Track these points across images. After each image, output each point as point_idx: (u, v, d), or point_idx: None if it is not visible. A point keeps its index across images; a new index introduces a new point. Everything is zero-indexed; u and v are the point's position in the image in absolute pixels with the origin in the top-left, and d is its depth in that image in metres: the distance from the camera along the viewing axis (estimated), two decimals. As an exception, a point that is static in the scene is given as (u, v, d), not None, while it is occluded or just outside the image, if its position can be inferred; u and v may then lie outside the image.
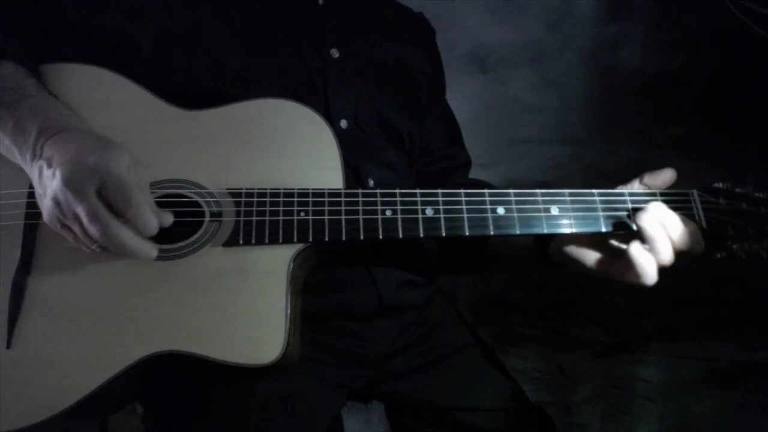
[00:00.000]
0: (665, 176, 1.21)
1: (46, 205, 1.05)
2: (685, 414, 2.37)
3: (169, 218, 1.11)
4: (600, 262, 1.21)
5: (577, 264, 1.24)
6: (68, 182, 1.01)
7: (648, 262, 1.11)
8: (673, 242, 1.13)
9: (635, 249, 1.12)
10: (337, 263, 1.29)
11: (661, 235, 1.12)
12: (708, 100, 2.36)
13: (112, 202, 1.03)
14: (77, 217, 1.03)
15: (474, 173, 1.71)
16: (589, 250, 1.22)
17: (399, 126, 1.44)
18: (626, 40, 2.51)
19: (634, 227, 1.15)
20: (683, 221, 1.15)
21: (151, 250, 1.09)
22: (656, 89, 2.47)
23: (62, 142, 1.06)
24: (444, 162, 1.62)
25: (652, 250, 1.12)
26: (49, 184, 1.03)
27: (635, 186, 1.23)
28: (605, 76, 2.54)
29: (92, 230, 1.02)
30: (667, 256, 1.12)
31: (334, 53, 1.37)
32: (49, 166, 1.04)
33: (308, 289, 1.20)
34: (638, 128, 2.47)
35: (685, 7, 2.42)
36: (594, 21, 2.54)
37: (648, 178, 1.21)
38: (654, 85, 2.47)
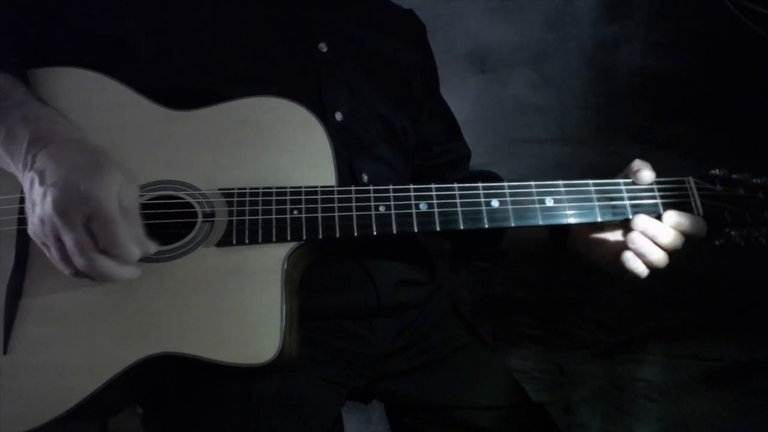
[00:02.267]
0: (643, 177, 1.21)
1: (32, 222, 1.05)
2: (685, 414, 2.37)
3: (152, 248, 1.11)
4: (611, 253, 1.23)
5: (592, 255, 1.25)
6: (58, 209, 1.01)
7: (637, 265, 1.18)
8: (664, 244, 1.17)
9: (628, 255, 1.18)
10: (334, 263, 1.29)
11: (647, 245, 1.17)
12: (708, 100, 2.35)
13: (97, 236, 1.03)
14: (58, 241, 1.03)
15: (473, 173, 1.71)
16: (603, 242, 1.25)
17: (391, 119, 1.44)
18: (626, 40, 2.50)
19: (630, 216, 1.19)
20: (679, 215, 1.17)
21: (134, 273, 1.09)
22: (656, 89, 2.46)
23: (55, 156, 1.06)
24: (444, 157, 1.63)
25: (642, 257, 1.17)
26: (38, 201, 1.03)
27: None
28: (605, 76, 2.53)
29: (78, 261, 1.03)
30: (658, 258, 1.17)
31: (323, 47, 1.38)
32: (42, 182, 1.04)
33: (307, 289, 1.21)
34: (638, 128, 2.47)
35: (685, 7, 2.41)
36: (594, 21, 2.53)
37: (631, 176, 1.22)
38: (654, 85, 2.46)
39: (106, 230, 1.03)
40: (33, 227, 1.06)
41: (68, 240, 1.02)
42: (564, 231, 1.34)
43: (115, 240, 1.04)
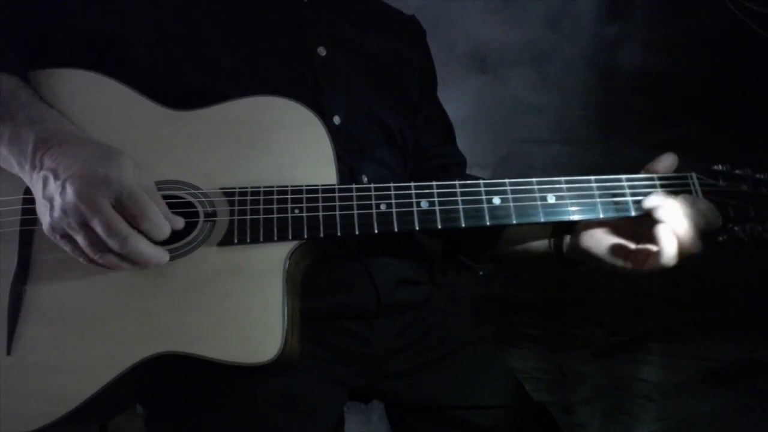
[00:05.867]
0: (666, 161, 1.20)
1: (53, 216, 1.04)
2: (685, 414, 2.37)
3: (180, 222, 1.12)
4: (618, 252, 1.21)
5: (595, 259, 1.24)
6: (81, 196, 1.01)
7: (670, 241, 1.11)
8: (684, 225, 1.12)
9: (663, 228, 1.12)
10: (335, 263, 1.29)
11: (675, 214, 1.12)
12: (708, 100, 2.36)
13: (127, 213, 1.03)
14: (85, 228, 1.03)
15: (474, 173, 1.70)
16: (607, 243, 1.22)
17: (389, 122, 1.44)
18: (626, 40, 2.51)
19: (632, 213, 1.16)
20: (694, 200, 1.14)
21: (165, 255, 1.10)
22: (656, 89, 2.47)
23: (64, 154, 1.06)
24: (439, 160, 1.62)
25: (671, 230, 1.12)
26: (56, 196, 1.03)
27: None
28: (605, 76, 2.54)
29: (111, 242, 1.02)
30: (685, 234, 1.12)
31: (321, 51, 1.38)
32: (56, 177, 1.04)
33: (307, 289, 1.20)
34: (638, 128, 2.48)
35: (685, 7, 2.42)
36: (594, 21, 2.54)
37: (649, 168, 1.21)
38: (654, 85, 2.47)
39: (134, 207, 1.04)
40: (53, 221, 1.05)
41: (98, 224, 1.02)
42: (566, 233, 1.32)
43: (146, 215, 1.04)
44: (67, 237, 1.05)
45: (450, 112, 1.72)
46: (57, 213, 1.03)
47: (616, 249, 1.21)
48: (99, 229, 1.02)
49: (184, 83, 1.27)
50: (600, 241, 1.23)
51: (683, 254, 1.13)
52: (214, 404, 1.20)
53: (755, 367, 2.33)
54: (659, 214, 1.13)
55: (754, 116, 2.20)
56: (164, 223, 1.07)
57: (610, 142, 2.50)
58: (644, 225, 1.17)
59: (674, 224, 1.12)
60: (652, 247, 1.15)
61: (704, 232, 1.15)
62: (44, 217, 1.06)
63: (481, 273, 1.53)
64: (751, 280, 2.26)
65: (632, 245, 1.21)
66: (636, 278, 1.16)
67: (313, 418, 1.25)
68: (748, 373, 2.33)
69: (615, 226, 1.22)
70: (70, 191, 1.01)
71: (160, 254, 1.09)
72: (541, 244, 1.37)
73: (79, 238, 1.04)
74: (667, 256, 1.11)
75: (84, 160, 1.05)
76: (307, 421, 1.24)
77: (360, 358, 1.33)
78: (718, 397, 2.35)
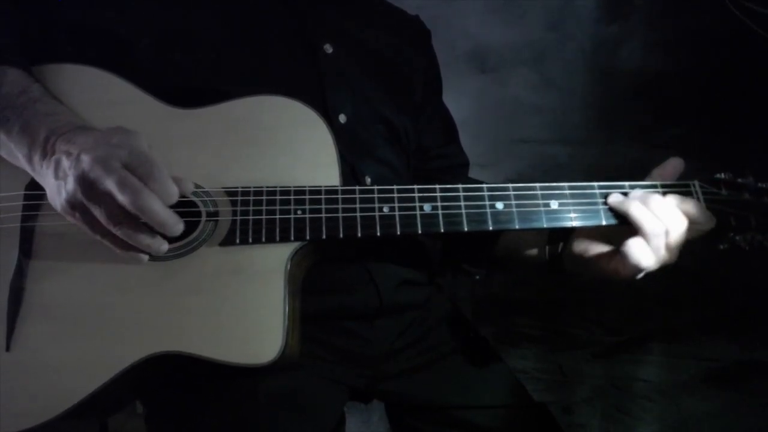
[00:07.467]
0: (673, 165, 1.20)
1: (68, 190, 1.03)
2: (685, 414, 2.37)
3: (190, 186, 1.09)
4: (608, 260, 1.19)
5: (587, 265, 1.23)
6: (96, 160, 1.00)
7: (637, 245, 1.10)
8: (666, 220, 1.10)
9: (631, 240, 1.11)
10: (336, 263, 1.29)
11: (644, 213, 1.10)
12: (708, 100, 2.36)
13: (137, 173, 1.01)
14: (105, 195, 1.01)
15: (474, 173, 1.70)
16: (596, 248, 1.20)
17: (394, 121, 1.43)
18: (626, 40, 2.51)
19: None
20: (682, 199, 1.13)
21: (179, 222, 1.06)
22: (656, 89, 2.47)
23: (77, 136, 1.06)
24: (441, 161, 1.62)
25: (642, 234, 1.10)
26: (70, 171, 1.02)
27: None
28: (605, 76, 2.55)
29: (123, 199, 0.99)
30: (658, 234, 1.10)
31: (328, 49, 1.37)
32: (69, 155, 1.03)
33: (308, 289, 1.20)
34: (638, 128, 2.48)
35: (685, 7, 2.42)
36: (594, 21, 2.55)
37: (656, 173, 1.20)
38: (654, 85, 2.47)
39: (144, 168, 1.02)
40: (68, 196, 1.03)
41: (111, 183, 1.00)
42: (560, 248, 1.31)
43: (155, 176, 1.02)
44: (85, 212, 1.04)
45: (450, 112, 1.72)
46: (72, 185, 1.01)
47: (604, 253, 1.20)
48: (113, 188, 1.00)
49: (187, 82, 1.26)
50: (589, 245, 1.22)
51: (670, 251, 1.11)
52: (215, 403, 1.20)
53: (755, 367, 2.33)
54: (631, 217, 1.12)
55: (754, 116, 2.20)
56: (172, 184, 1.05)
57: (610, 142, 2.50)
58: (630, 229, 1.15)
59: (645, 226, 1.10)
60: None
61: (698, 235, 1.15)
62: (59, 197, 1.04)
63: (477, 277, 1.52)
64: (750, 281, 2.26)
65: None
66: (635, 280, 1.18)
67: (314, 417, 1.25)
68: (748, 373, 2.34)
69: (605, 231, 1.21)
70: (84, 159, 1.00)
71: (174, 219, 1.05)
72: (536, 250, 1.36)
73: (96, 210, 1.02)
74: (634, 260, 1.10)
75: (97, 136, 1.04)
76: (307, 421, 1.24)
77: (361, 359, 1.33)
78: (718, 397, 2.35)
